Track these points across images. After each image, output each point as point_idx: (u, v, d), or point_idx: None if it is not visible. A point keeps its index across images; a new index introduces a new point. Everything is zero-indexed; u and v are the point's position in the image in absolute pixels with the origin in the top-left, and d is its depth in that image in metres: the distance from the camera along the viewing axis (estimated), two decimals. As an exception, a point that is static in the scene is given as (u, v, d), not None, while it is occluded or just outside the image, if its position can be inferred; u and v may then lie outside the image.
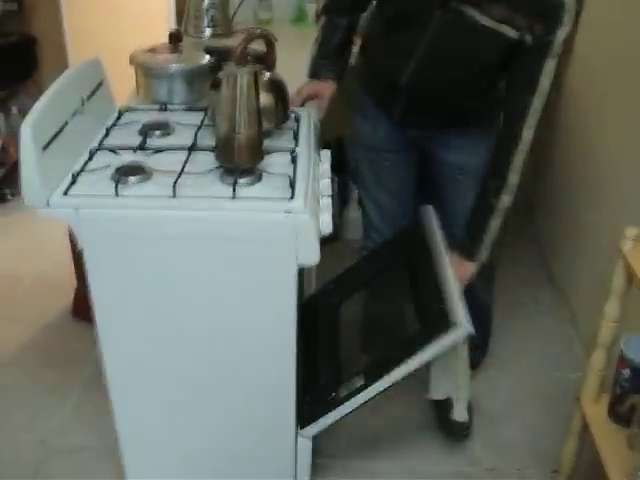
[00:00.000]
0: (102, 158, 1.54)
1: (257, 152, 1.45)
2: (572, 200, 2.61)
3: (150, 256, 1.43)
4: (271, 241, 1.40)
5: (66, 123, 1.49)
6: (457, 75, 1.64)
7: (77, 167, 1.48)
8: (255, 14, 2.73)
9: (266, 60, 1.67)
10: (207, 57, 1.89)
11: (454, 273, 1.66)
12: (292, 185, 1.41)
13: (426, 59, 1.63)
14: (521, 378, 2.29)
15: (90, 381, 2.20)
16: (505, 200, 1.67)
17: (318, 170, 1.60)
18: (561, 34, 1.49)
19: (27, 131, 1.33)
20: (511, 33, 1.50)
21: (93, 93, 1.66)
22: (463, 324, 1.50)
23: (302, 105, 1.83)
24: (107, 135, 1.65)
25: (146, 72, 1.85)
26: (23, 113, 3.41)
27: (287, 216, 1.36)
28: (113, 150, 1.56)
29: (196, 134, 1.62)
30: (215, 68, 1.82)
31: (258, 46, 1.67)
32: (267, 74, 1.63)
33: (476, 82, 1.69)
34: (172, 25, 3.30)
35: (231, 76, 1.40)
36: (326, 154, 1.69)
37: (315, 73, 1.88)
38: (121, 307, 1.51)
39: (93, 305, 1.50)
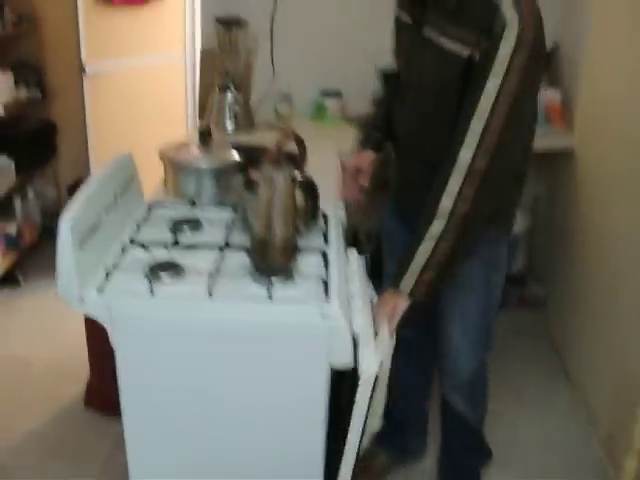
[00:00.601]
0: (134, 253, 1.55)
1: (291, 254, 1.47)
2: (587, 293, 2.62)
3: (182, 354, 1.43)
4: (305, 342, 1.40)
5: (101, 218, 1.52)
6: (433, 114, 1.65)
7: (110, 262, 1.49)
8: (275, 110, 2.81)
9: (298, 160, 1.72)
10: (235, 155, 1.93)
11: (378, 311, 1.58)
12: (326, 287, 1.42)
13: (414, 99, 1.68)
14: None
15: (101, 475, 2.15)
16: (435, 225, 1.54)
17: (348, 271, 1.62)
18: (503, 50, 1.44)
19: (66, 226, 1.35)
20: (464, 51, 1.50)
21: (125, 188, 1.69)
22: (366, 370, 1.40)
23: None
24: (138, 230, 1.67)
25: (176, 168, 1.89)
26: (39, 198, 3.47)
27: (323, 319, 1.36)
28: (145, 246, 1.57)
29: (227, 232, 1.65)
30: (244, 166, 1.87)
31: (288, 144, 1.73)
32: (299, 175, 1.67)
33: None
34: (192, 117, 3.40)
35: (268, 179, 1.43)
36: (354, 253, 1.71)
37: (355, 147, 1.92)
38: (150, 403, 1.49)
39: (121, 400, 1.48)
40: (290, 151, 1.74)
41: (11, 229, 3.22)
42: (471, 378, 1.89)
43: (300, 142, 1.70)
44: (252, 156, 1.93)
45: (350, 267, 1.65)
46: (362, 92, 2.91)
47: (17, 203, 3.33)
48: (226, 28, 2.61)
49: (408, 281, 1.57)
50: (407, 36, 1.70)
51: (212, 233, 1.67)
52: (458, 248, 1.55)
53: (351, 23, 2.86)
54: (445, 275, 1.59)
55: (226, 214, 1.76)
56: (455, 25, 1.51)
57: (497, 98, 1.46)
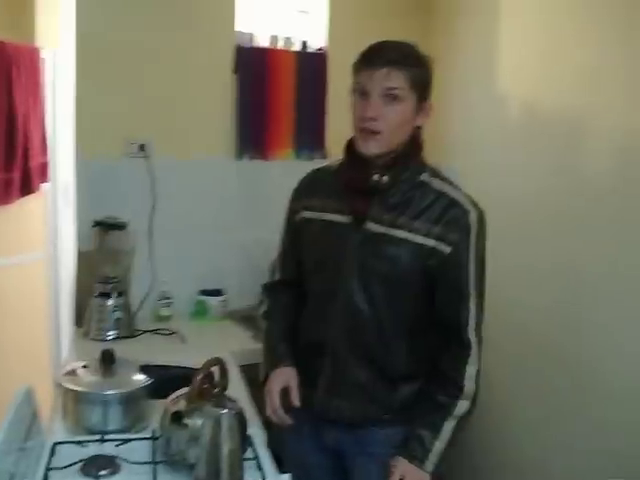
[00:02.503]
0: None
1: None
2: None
3: None
4: None
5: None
6: (382, 305, 1.65)
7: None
8: (155, 312, 2.70)
9: (221, 385, 1.62)
10: (143, 377, 1.80)
11: None
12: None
13: (351, 296, 1.66)
14: None
15: None
16: (461, 406, 1.63)
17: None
18: (473, 239, 1.61)
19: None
20: (426, 242, 1.60)
21: (29, 431, 1.50)
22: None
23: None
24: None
25: (77, 397, 1.72)
26: None
27: None
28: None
29: (152, 471, 1.49)
30: (156, 389, 1.74)
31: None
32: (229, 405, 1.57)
33: (403, 319, 1.67)
34: (53, 320, 3.18)
35: (212, 418, 1.33)
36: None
37: (272, 363, 1.79)
38: None
39: None
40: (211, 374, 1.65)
41: None
42: None
43: (223, 368, 1.61)
44: (163, 378, 1.82)
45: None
46: (242, 288, 2.92)
47: None
48: (104, 231, 2.53)
49: (433, 459, 1.62)
50: (335, 234, 1.70)
51: (133, 476, 1.50)
52: (465, 429, 1.66)
53: (228, 220, 2.89)
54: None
55: (145, 449, 1.61)
56: (413, 218, 1.62)
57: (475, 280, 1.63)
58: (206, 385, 1.56)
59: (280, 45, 2.93)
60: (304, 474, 1.78)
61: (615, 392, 2.10)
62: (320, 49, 2.99)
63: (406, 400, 1.71)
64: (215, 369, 1.59)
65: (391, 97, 1.58)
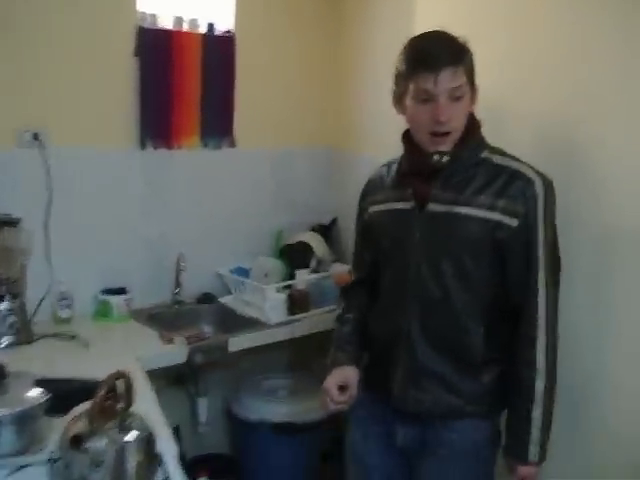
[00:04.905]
0: None
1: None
2: None
3: None
4: None
5: None
6: (453, 286, 1.64)
7: None
8: (54, 314, 2.51)
9: (123, 400, 1.48)
10: (39, 392, 1.63)
11: None
12: None
13: (422, 281, 1.65)
14: None
15: None
16: (539, 385, 1.60)
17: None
18: (541, 210, 1.58)
19: None
20: (491, 215, 1.59)
21: None
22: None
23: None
24: None
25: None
26: None
27: None
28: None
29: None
30: (55, 404, 1.59)
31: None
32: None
33: (477, 301, 1.65)
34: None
35: (115, 444, 1.20)
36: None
37: (335, 362, 1.85)
38: None
39: None
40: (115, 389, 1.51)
41: None
42: None
43: (128, 382, 1.47)
44: (62, 392, 1.67)
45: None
46: (148, 286, 2.76)
47: None
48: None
49: (534, 450, 1.61)
50: (401, 221, 1.71)
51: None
52: (553, 401, 1.64)
53: (131, 214, 2.71)
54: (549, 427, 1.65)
55: (40, 473, 1.45)
56: (476, 194, 1.61)
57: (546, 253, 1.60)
58: (109, 401, 1.42)
59: (185, 27, 2.76)
60: (362, 474, 1.86)
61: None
62: (228, 32, 2.84)
63: (489, 388, 1.69)
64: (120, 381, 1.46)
65: (458, 96, 1.57)
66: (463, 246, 1.62)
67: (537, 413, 1.61)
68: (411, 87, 1.59)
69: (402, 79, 1.63)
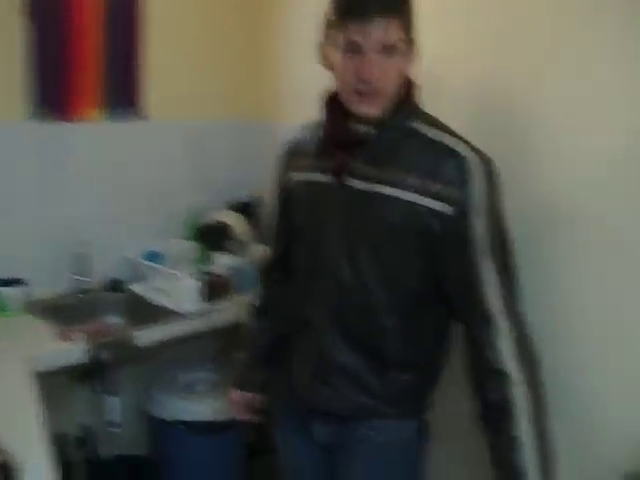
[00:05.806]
0: None
1: None
2: None
3: None
4: None
5: None
6: (375, 272, 1.43)
7: None
8: None
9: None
10: None
11: None
12: None
13: (336, 267, 1.46)
14: None
15: None
16: (517, 393, 1.34)
17: None
18: (482, 195, 1.35)
19: None
20: (421, 200, 1.37)
21: None
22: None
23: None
24: None
25: None
26: None
27: None
28: None
29: None
30: None
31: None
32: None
33: (397, 295, 1.44)
34: None
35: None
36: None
37: (242, 384, 1.82)
38: None
39: None
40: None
41: None
42: None
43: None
44: None
45: None
46: (47, 275, 2.48)
47: None
48: None
49: (533, 475, 1.33)
50: (316, 195, 1.51)
51: None
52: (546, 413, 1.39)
53: (25, 196, 2.42)
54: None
55: None
56: (404, 172, 1.38)
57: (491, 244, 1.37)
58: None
59: (83, -18, 2.45)
60: (291, 472, 1.76)
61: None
62: (132, -13, 2.54)
63: (402, 391, 1.51)
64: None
65: (390, 51, 1.34)
66: (385, 232, 1.41)
67: (526, 430, 1.34)
68: (340, 39, 1.36)
69: (330, 29, 1.40)
